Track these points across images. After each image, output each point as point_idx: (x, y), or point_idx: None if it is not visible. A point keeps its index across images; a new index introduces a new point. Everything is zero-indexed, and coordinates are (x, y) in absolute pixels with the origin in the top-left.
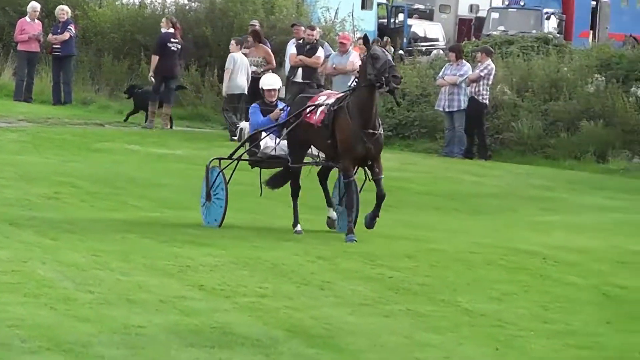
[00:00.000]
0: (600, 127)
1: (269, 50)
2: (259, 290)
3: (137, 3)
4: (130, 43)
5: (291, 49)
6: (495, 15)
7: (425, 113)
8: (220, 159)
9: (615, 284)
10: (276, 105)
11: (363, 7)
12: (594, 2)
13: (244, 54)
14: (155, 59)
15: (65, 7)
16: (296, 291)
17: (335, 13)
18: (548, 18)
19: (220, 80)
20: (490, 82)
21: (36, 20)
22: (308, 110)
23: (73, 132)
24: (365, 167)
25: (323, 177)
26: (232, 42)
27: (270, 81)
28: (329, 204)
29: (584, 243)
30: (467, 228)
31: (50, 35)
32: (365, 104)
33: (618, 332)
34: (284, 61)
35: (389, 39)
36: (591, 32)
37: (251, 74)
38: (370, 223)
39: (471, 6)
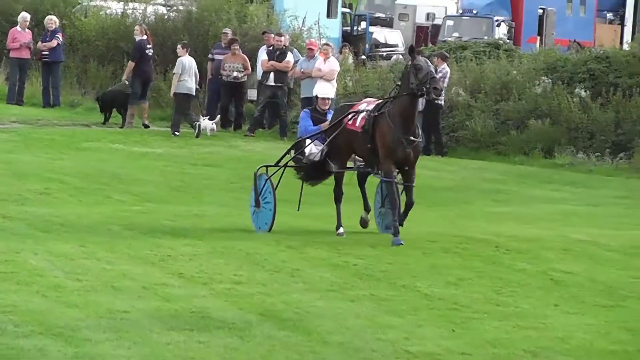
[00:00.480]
0: (547, 125)
1: (246, 57)
2: (234, 278)
3: (120, 13)
4: (113, 50)
5: (262, 55)
6: (450, 22)
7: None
8: (267, 166)
9: (562, 270)
10: (326, 114)
11: (328, 15)
12: (541, 10)
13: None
14: (131, 64)
15: (54, 17)
16: (269, 278)
17: (303, 21)
18: (499, 25)
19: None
20: (445, 85)
21: (26, 29)
22: (349, 117)
23: (61, 133)
24: (401, 173)
25: (362, 181)
26: (179, 46)
27: (325, 90)
28: (366, 207)
29: (533, 232)
30: (425, 219)
31: (39, 43)
32: (407, 111)
33: (563, 314)
34: (256, 66)
35: (349, 45)
36: (538, 37)
37: (231, 79)
38: (395, 231)
39: (428, 14)
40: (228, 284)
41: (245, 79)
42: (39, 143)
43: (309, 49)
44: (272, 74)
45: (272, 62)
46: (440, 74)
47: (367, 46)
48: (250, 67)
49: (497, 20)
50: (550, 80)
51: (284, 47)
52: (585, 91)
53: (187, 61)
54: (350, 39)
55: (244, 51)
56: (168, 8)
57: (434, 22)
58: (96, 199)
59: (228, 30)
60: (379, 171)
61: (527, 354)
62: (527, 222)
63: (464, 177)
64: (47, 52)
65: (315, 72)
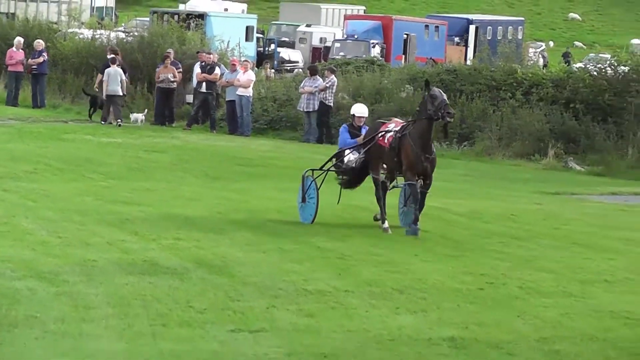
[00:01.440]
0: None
1: (175, 70)
2: (175, 235)
3: (90, 37)
4: (85, 65)
5: (197, 69)
6: (337, 45)
7: (290, 112)
8: (313, 170)
9: (421, 229)
10: (361, 129)
11: (247, 39)
12: (405, 35)
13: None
14: (100, 76)
15: (41, 41)
16: (202, 236)
17: (227, 44)
18: (374, 46)
19: (149, 91)
20: (333, 91)
21: (20, 50)
22: (380, 134)
23: (46, 127)
24: (421, 180)
25: (383, 190)
26: (110, 60)
27: (361, 110)
28: (383, 218)
29: (436, 201)
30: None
31: (30, 60)
32: (424, 133)
33: (422, 262)
34: (193, 77)
35: (268, 61)
36: (403, 56)
37: (164, 85)
38: (415, 220)
39: (321, 38)
40: (171, 240)
41: (175, 85)
42: (29, 135)
43: (232, 64)
44: (204, 83)
45: (204, 74)
46: (329, 83)
47: (275, 62)
48: (177, 76)
49: (372, 43)
50: (412, 87)
51: (213, 63)
52: None
53: (112, 70)
54: (263, 57)
55: (183, 66)
56: (126, 33)
57: (326, 44)
58: (72, 177)
59: (171, 50)
60: (398, 181)
61: (394, 291)
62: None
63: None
64: (35, 67)
65: (236, 81)
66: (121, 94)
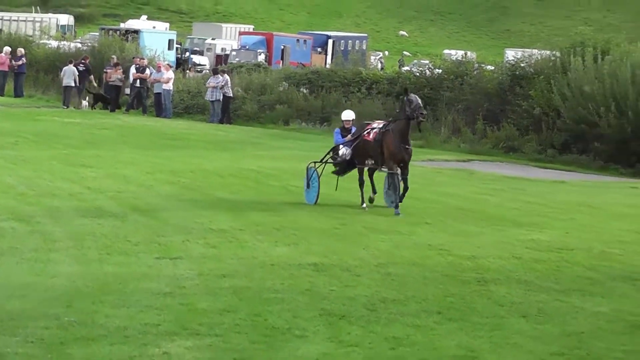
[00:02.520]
0: (285, 108)
1: (122, 71)
2: (117, 189)
3: (56, 46)
4: (52, 67)
5: (132, 69)
6: (234, 53)
7: (200, 101)
8: (315, 162)
9: (294, 185)
10: (350, 130)
11: (169, 49)
12: (283, 46)
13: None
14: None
15: (22, 49)
16: (137, 190)
17: (155, 51)
18: (260, 54)
19: (99, 85)
20: (229, 86)
21: (6, 55)
22: (366, 131)
23: (24, 111)
24: (400, 168)
25: (371, 174)
26: (68, 62)
27: (348, 115)
28: (373, 190)
29: (277, 164)
30: (220, 158)
31: (13, 62)
32: (403, 129)
33: (295, 209)
34: (129, 75)
35: (190, 65)
36: (281, 61)
37: (114, 83)
38: (396, 206)
39: (222, 48)
40: (114, 192)
41: (122, 83)
42: (12, 116)
43: (158, 66)
44: (138, 80)
45: (138, 74)
46: (223, 81)
47: (190, 65)
48: (123, 76)
49: (259, 52)
50: (287, 83)
51: (144, 66)
52: (306, 90)
53: (67, 69)
54: (181, 62)
55: (123, 67)
56: (82, 44)
57: (226, 53)
58: (43, 147)
59: (114, 56)
60: (384, 167)
61: (274, 230)
62: (274, 159)
63: (240, 136)
64: (17, 67)
65: (161, 79)
66: (73, 85)
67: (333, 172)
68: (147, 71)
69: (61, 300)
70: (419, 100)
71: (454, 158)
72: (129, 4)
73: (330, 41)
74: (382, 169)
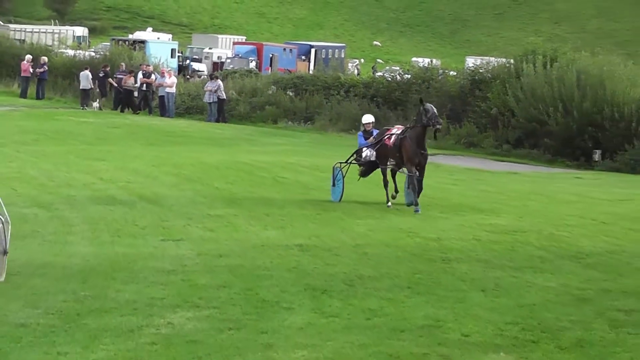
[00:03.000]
0: (273, 108)
1: (134, 77)
2: (127, 179)
3: (72, 55)
4: (69, 73)
5: (140, 75)
6: (229, 60)
7: (199, 103)
8: (340, 162)
9: (282, 176)
10: (371, 133)
11: (171, 57)
12: (271, 54)
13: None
14: (126, 77)
15: (45, 57)
16: (144, 180)
17: (159, 59)
18: (251, 62)
19: (110, 89)
20: (222, 89)
21: (28, 62)
22: (386, 136)
23: (44, 112)
24: (417, 171)
25: (393, 175)
26: (84, 68)
27: (367, 118)
28: (396, 189)
29: (268, 158)
30: (217, 153)
31: (37, 69)
32: (419, 135)
33: (282, 197)
34: (137, 80)
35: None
36: (270, 67)
37: (128, 87)
38: (415, 203)
39: (219, 57)
40: (124, 182)
41: (135, 88)
42: (34, 116)
43: (162, 72)
44: (144, 85)
45: (144, 79)
46: (216, 86)
47: (190, 71)
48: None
49: (250, 60)
50: (275, 87)
51: (150, 72)
52: (291, 92)
53: (84, 74)
54: (182, 69)
55: (133, 73)
56: (96, 52)
57: (222, 60)
58: (61, 143)
59: (123, 64)
60: (404, 169)
61: (264, 215)
62: (267, 154)
63: (235, 133)
64: (39, 74)
65: (165, 83)
66: (89, 87)
67: (359, 174)
68: (153, 76)
69: (77, 277)
70: (435, 110)
71: None
72: (136, 17)
73: (312, 50)
74: (402, 170)
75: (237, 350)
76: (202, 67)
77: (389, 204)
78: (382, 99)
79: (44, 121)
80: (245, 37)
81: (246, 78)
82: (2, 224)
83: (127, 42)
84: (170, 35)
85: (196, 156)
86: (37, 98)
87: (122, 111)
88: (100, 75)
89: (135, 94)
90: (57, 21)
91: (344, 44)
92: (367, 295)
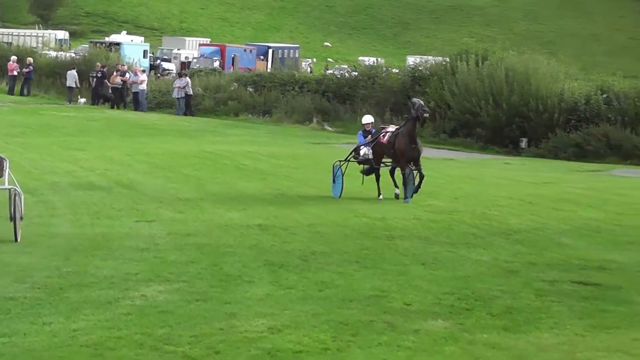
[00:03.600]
0: (235, 103)
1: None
2: (105, 167)
3: (55, 56)
4: (52, 72)
5: (114, 75)
6: (195, 60)
7: (168, 98)
8: (340, 160)
9: (243, 163)
10: (370, 132)
11: (144, 57)
12: (233, 55)
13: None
14: (113, 75)
15: (31, 58)
16: (119, 167)
17: (133, 59)
18: (215, 61)
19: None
20: (190, 86)
21: (15, 63)
22: (382, 134)
23: (30, 107)
24: (412, 165)
25: (392, 172)
26: (71, 67)
27: (367, 119)
28: (396, 185)
29: (229, 147)
30: (185, 143)
31: (23, 69)
32: (410, 130)
33: (243, 182)
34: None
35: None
36: (232, 66)
37: (115, 85)
38: (411, 194)
39: (186, 57)
40: (102, 170)
41: (121, 86)
42: (21, 111)
43: (135, 71)
44: (119, 82)
45: (120, 77)
46: (184, 83)
47: (160, 70)
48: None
49: (214, 59)
50: (237, 84)
51: (125, 70)
52: (251, 89)
53: (70, 73)
54: (153, 68)
55: (109, 73)
56: (76, 54)
57: (189, 60)
58: (46, 135)
59: (99, 64)
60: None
61: (227, 199)
62: (229, 144)
63: (202, 125)
64: (25, 73)
65: (138, 81)
66: (74, 86)
67: (361, 172)
68: (127, 75)
69: (60, 255)
70: (421, 102)
71: None
72: (112, 22)
73: (270, 51)
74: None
75: (204, 319)
76: (171, 67)
77: (380, 197)
78: (332, 94)
79: (30, 116)
80: (209, 39)
81: (211, 76)
82: (18, 195)
83: (104, 44)
84: (142, 38)
85: (166, 146)
86: (22, 95)
87: (112, 107)
88: (99, 75)
89: (110, 90)
90: (41, 25)
91: (298, 45)
92: (320, 269)
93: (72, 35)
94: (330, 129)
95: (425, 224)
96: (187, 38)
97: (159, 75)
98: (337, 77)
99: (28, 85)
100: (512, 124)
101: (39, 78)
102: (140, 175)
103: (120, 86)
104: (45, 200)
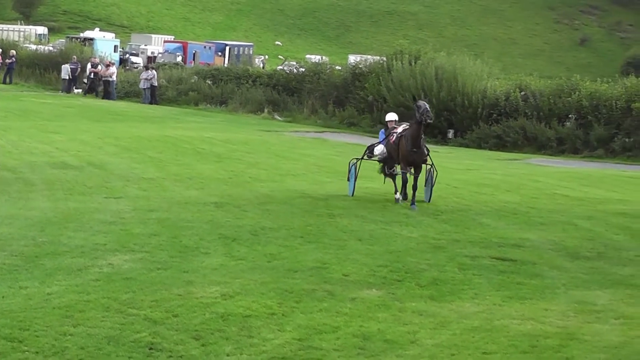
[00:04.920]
0: (195, 94)
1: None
2: (78, 149)
3: (35, 49)
4: (32, 64)
5: (89, 66)
6: (160, 55)
7: (135, 88)
8: (357, 159)
9: (201, 147)
10: (394, 129)
11: (114, 51)
12: (194, 51)
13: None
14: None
15: (13, 51)
16: (90, 149)
17: (104, 53)
18: (178, 56)
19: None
20: (156, 78)
21: None
22: (392, 134)
23: (12, 94)
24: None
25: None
26: (65, 65)
27: (390, 117)
28: (396, 190)
29: (189, 133)
30: (149, 128)
31: (6, 60)
32: (414, 133)
33: (201, 164)
34: (87, 70)
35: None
36: (193, 61)
37: (105, 77)
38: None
39: (152, 52)
40: (75, 151)
41: (112, 79)
42: (3, 98)
43: (106, 64)
44: (92, 73)
45: (92, 69)
46: (151, 75)
47: (129, 63)
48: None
49: (177, 55)
50: (197, 77)
51: (97, 63)
52: (210, 81)
53: (64, 67)
54: (122, 61)
55: (82, 65)
56: (54, 47)
57: (154, 55)
58: (25, 120)
59: (74, 57)
60: (396, 169)
61: (186, 179)
62: (189, 130)
63: (165, 113)
64: (8, 64)
65: (109, 72)
66: (67, 78)
67: (380, 172)
68: (99, 67)
69: (36, 226)
70: (427, 106)
71: (312, 130)
72: (86, 20)
73: (227, 48)
74: (394, 170)
75: (164, 285)
76: (139, 60)
77: (397, 195)
78: (281, 87)
79: (12, 102)
80: (173, 37)
81: (174, 69)
82: None
83: (78, 39)
84: (113, 34)
85: (133, 131)
86: (4, 83)
87: (104, 98)
88: (92, 76)
89: (85, 80)
90: (22, 22)
91: (252, 43)
92: (268, 242)
93: (51, 30)
94: (279, 118)
95: (363, 204)
96: (153, 35)
97: (127, 68)
98: (286, 73)
99: (10, 75)
100: (441, 116)
101: (20, 68)
102: (109, 156)
103: (91, 77)
104: (24, 178)
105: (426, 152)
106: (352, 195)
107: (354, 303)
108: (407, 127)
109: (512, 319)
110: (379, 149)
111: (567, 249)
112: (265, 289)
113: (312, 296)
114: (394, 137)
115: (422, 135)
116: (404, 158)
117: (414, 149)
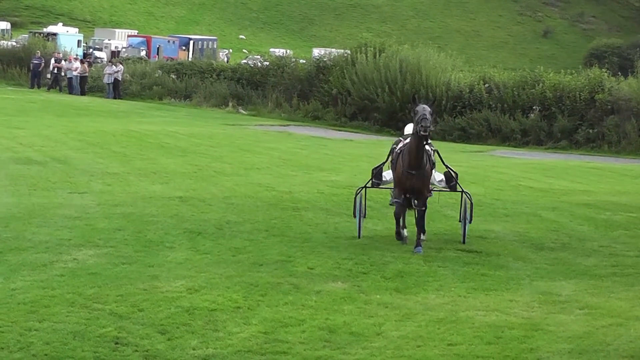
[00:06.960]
0: (159, 88)
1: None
2: (41, 144)
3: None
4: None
5: (52, 61)
6: (123, 49)
7: (100, 83)
8: (360, 188)
9: (167, 142)
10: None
11: (78, 46)
12: (158, 45)
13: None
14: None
15: None
16: (54, 144)
17: (70, 49)
18: (142, 51)
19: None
20: (121, 72)
21: None
22: (394, 151)
23: None
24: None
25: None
26: (54, 56)
27: (410, 129)
28: (404, 226)
29: (154, 128)
30: (113, 123)
31: None
32: (412, 149)
33: (166, 159)
34: (50, 65)
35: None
36: (157, 55)
37: (81, 74)
38: (417, 244)
39: (116, 47)
40: (38, 147)
41: (87, 74)
42: None
43: (69, 59)
44: (56, 68)
45: (56, 64)
46: (118, 69)
47: (92, 58)
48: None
49: (141, 49)
50: (161, 71)
51: (60, 58)
52: (174, 75)
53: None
54: (86, 57)
55: (45, 60)
56: (17, 43)
57: (118, 49)
58: (12, 114)
59: (38, 52)
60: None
61: (151, 173)
62: (153, 124)
63: (129, 107)
64: None
65: (72, 67)
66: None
67: (390, 204)
68: (63, 62)
69: (0, 222)
70: (427, 110)
71: (277, 123)
72: (49, 14)
73: (191, 42)
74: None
75: (129, 280)
76: (103, 55)
77: (404, 232)
78: (246, 81)
79: None
80: (137, 31)
81: (138, 64)
82: None
83: (42, 34)
84: (77, 29)
85: (97, 126)
86: None
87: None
88: (55, 72)
89: (48, 76)
90: None
91: (215, 37)
92: (233, 236)
93: (13, 25)
94: (244, 112)
95: (327, 197)
96: (116, 30)
97: (90, 62)
98: (250, 67)
99: None
100: (405, 109)
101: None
102: (73, 151)
103: (55, 72)
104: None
105: (451, 177)
106: (360, 237)
107: (319, 296)
108: (405, 142)
109: (477, 310)
110: (391, 174)
111: (531, 240)
112: (231, 283)
113: (278, 289)
114: (394, 154)
115: (429, 151)
116: (398, 182)
117: (411, 170)
